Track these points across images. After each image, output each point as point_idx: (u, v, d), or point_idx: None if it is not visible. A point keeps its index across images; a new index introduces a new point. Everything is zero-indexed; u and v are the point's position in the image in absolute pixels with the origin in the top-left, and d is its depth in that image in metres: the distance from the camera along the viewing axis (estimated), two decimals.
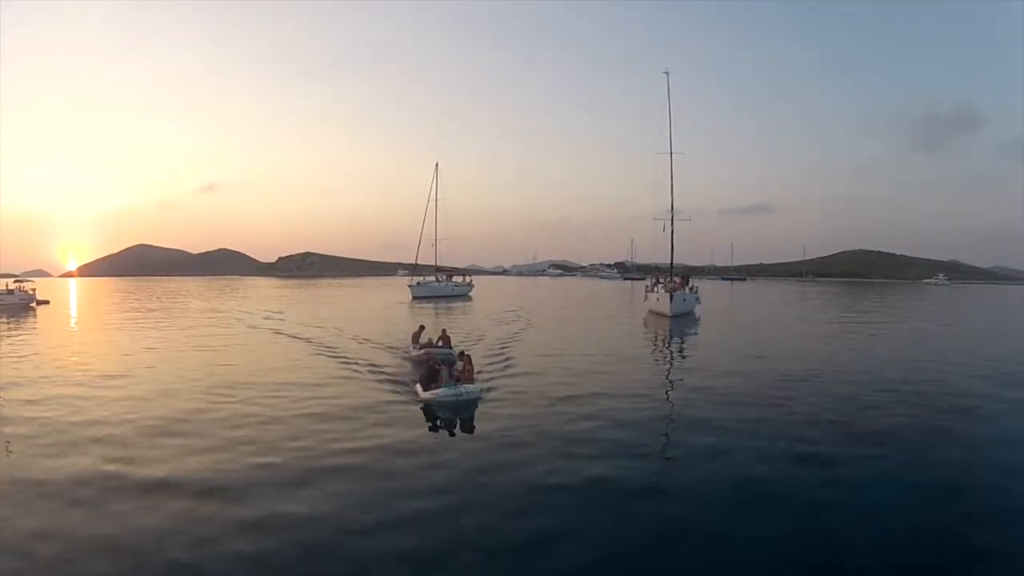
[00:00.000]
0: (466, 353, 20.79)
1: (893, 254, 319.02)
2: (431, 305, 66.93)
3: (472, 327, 40.92)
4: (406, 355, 26.09)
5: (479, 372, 20.51)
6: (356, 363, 24.89)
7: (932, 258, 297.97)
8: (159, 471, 11.78)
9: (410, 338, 27.51)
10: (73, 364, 24.74)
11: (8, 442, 13.61)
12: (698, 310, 57.18)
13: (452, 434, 15.10)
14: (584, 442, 14.02)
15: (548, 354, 27.71)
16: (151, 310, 57.83)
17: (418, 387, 18.45)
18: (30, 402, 17.57)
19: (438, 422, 16.06)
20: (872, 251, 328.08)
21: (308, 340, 32.34)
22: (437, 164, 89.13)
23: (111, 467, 11.99)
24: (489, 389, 19.04)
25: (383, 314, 54.01)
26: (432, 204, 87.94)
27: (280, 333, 36.40)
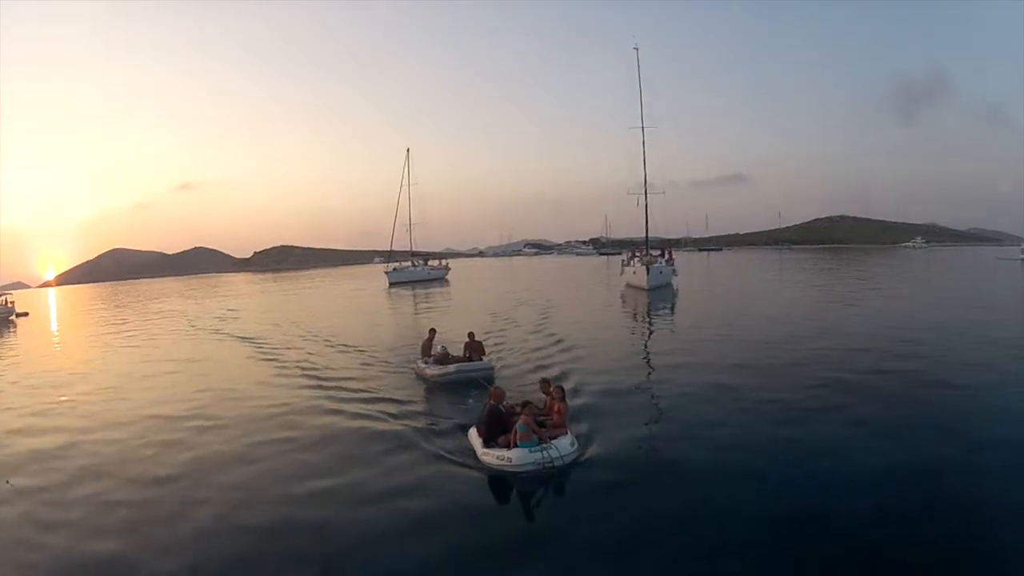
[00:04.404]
0: (553, 383, 14.07)
1: (870, 219, 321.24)
2: (408, 290, 66.98)
3: (456, 310, 40.76)
4: (417, 373, 19.72)
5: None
6: (344, 388, 18.59)
7: (909, 222, 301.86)
8: None
9: (419, 349, 20.88)
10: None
11: None
12: (675, 282, 57.12)
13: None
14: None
15: (536, 330, 26.94)
16: (121, 320, 54.69)
17: (476, 442, 12.12)
18: None
19: (521, 511, 10.52)
20: (848, 216, 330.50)
21: (275, 352, 26.25)
22: (408, 150, 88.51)
23: None
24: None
25: (363, 306, 52.99)
26: (405, 189, 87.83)
27: (254, 345, 29.11)
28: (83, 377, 23.58)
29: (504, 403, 12.71)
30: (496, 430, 12.03)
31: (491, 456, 11.52)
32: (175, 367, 24.52)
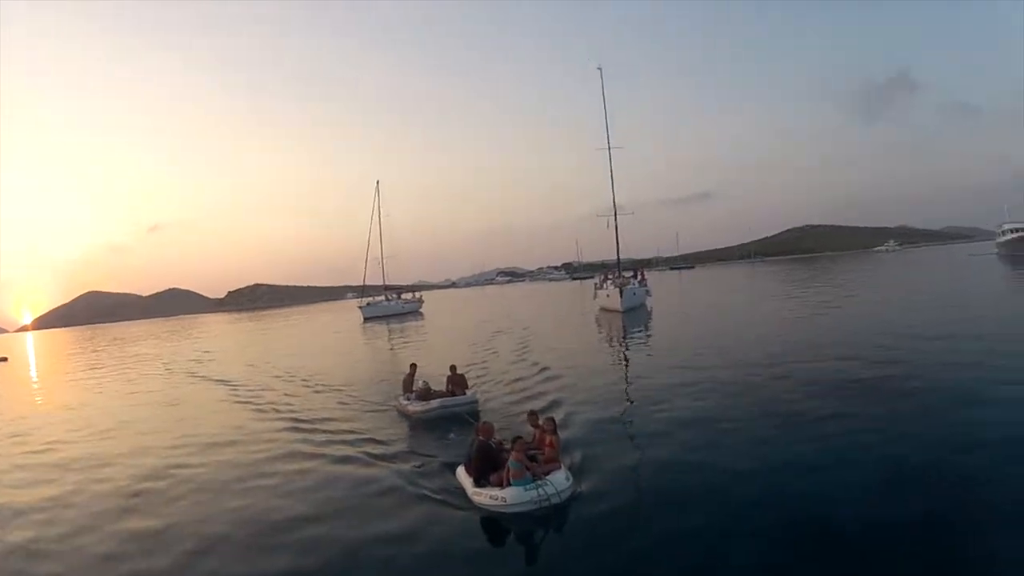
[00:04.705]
0: (540, 415, 13.55)
1: (840, 226, 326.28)
2: (383, 324, 66.55)
3: (433, 343, 40.56)
4: (399, 410, 19.15)
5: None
6: (323, 430, 17.91)
7: (880, 225, 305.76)
8: None
9: (401, 385, 20.20)
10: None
11: None
12: (649, 302, 57.12)
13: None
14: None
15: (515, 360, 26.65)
16: (99, 365, 54.09)
17: (466, 482, 11.55)
18: None
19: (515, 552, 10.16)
20: (818, 225, 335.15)
21: (251, 394, 25.40)
22: (378, 182, 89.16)
23: None
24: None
25: (339, 343, 52.39)
26: (376, 223, 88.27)
27: (230, 388, 27.93)
28: (60, 424, 22.63)
29: (493, 439, 12.10)
30: (486, 468, 11.40)
31: (484, 496, 10.88)
32: (151, 413, 23.65)
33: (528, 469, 10.88)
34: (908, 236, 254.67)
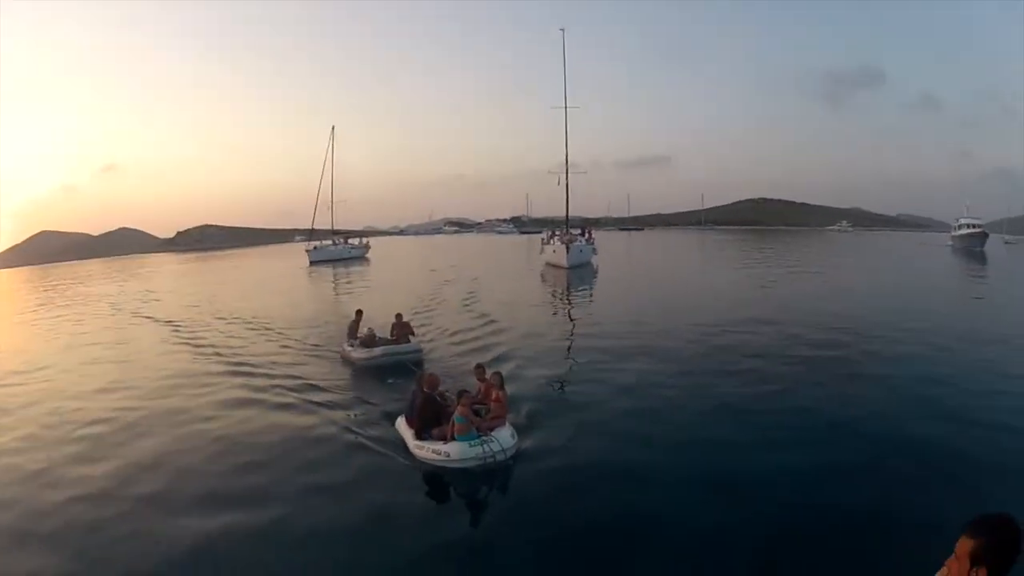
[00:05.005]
0: (487, 369, 13.29)
1: (794, 202, 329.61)
2: (328, 268, 65.49)
3: (377, 290, 39.90)
4: (342, 356, 18.97)
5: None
6: (264, 374, 17.56)
7: (834, 205, 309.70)
8: None
9: (346, 330, 19.90)
10: None
11: None
12: (595, 260, 57.44)
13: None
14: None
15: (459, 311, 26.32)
16: (48, 304, 52.18)
17: (406, 434, 11.36)
18: None
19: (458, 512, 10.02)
20: (773, 199, 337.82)
21: (194, 337, 24.58)
22: (333, 127, 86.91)
23: None
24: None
25: (284, 286, 51.01)
26: (328, 167, 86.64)
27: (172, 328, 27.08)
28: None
29: (438, 391, 11.86)
30: (430, 421, 11.13)
31: (426, 450, 10.66)
32: (95, 354, 22.63)
33: (473, 424, 10.69)
34: (862, 219, 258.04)
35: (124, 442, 12.69)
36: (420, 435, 11.05)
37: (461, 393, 11.21)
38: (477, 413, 11.24)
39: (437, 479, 10.31)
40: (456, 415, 10.69)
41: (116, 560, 8.21)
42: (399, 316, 19.57)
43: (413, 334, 19.25)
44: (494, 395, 11.75)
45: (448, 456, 10.41)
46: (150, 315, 32.44)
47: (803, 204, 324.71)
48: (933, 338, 20.22)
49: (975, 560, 2.67)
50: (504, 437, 10.70)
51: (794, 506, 8.99)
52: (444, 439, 10.67)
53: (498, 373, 12.42)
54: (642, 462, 10.65)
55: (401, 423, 11.88)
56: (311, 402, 14.60)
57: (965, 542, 2.72)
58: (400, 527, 8.77)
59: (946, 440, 11.31)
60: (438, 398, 11.67)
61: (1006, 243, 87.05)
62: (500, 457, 10.36)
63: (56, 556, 8.35)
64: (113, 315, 34.25)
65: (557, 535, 8.44)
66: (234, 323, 27.56)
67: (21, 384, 18.53)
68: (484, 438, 10.50)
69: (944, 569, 2.83)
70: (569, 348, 20.92)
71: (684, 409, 13.38)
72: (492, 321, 24.98)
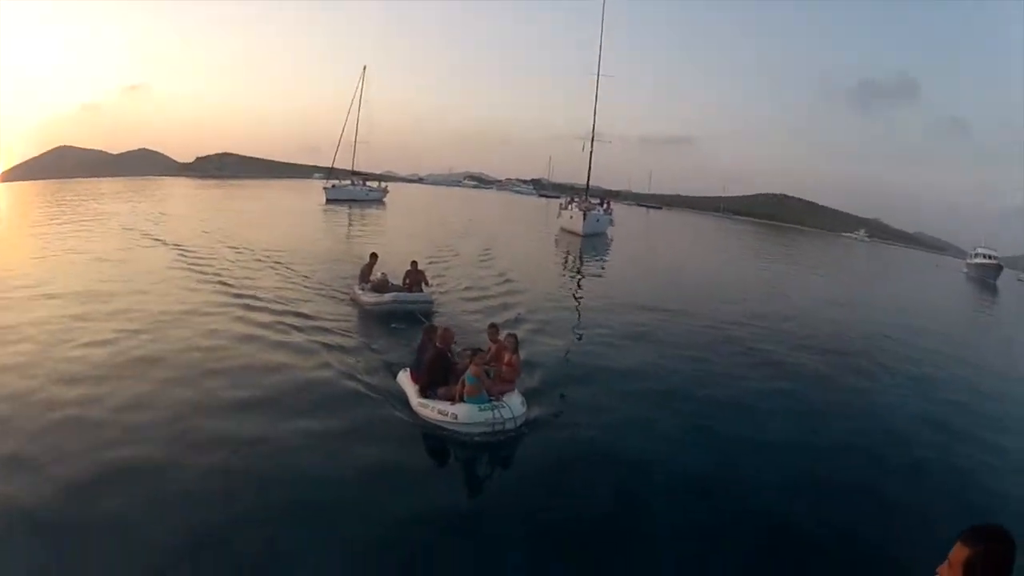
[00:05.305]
0: (502, 329, 12.72)
1: (815, 203, 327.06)
2: (344, 208, 64.76)
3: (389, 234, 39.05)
4: (352, 299, 18.48)
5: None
6: (264, 306, 17.19)
7: (855, 213, 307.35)
8: None
9: (358, 274, 19.42)
10: None
11: None
12: (610, 232, 57.44)
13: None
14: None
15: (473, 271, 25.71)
16: (52, 222, 53.25)
17: (410, 389, 10.81)
18: None
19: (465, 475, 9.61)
20: (793, 197, 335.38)
21: (198, 262, 23.79)
22: (364, 67, 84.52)
23: None
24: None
25: (298, 221, 50.31)
26: (356, 107, 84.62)
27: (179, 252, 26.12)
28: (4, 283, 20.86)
29: (451, 347, 11.21)
30: (438, 378, 10.49)
31: (431, 409, 10.02)
32: (100, 275, 21.29)
33: (485, 386, 10.09)
34: (880, 231, 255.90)
35: (118, 369, 12.04)
36: (425, 392, 10.45)
37: (475, 352, 10.51)
38: (486, 374, 10.58)
39: (437, 440, 9.75)
40: (468, 374, 10.03)
41: (96, 496, 7.70)
42: (414, 263, 18.92)
43: (427, 283, 18.64)
44: (507, 358, 11.10)
45: (455, 418, 9.77)
46: (160, 237, 31.43)
47: (823, 207, 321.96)
48: (935, 356, 20.54)
49: (968, 569, 2.74)
50: (515, 404, 10.10)
51: (789, 509, 8.86)
52: (451, 399, 10.06)
53: (513, 335, 11.71)
54: (645, 450, 10.14)
55: (404, 377, 11.30)
56: (313, 342, 14.06)
57: (960, 550, 2.78)
58: (393, 487, 8.32)
59: (944, 454, 11.57)
60: (447, 356, 11.00)
61: (1020, 280, 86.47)
62: (509, 425, 9.80)
63: (37, 482, 7.88)
64: (123, 235, 33.21)
65: (553, 514, 8.04)
66: (243, 253, 26.83)
67: (20, 300, 17.71)
68: (494, 403, 9.91)
69: None
70: (576, 318, 20.57)
71: (690, 398, 12.93)
72: (506, 281, 24.47)
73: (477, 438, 9.64)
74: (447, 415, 9.83)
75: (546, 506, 8.19)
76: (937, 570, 2.89)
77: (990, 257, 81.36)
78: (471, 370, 10.03)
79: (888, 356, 19.37)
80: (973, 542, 2.77)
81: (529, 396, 11.03)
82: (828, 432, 11.98)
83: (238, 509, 7.55)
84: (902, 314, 30.96)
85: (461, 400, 9.93)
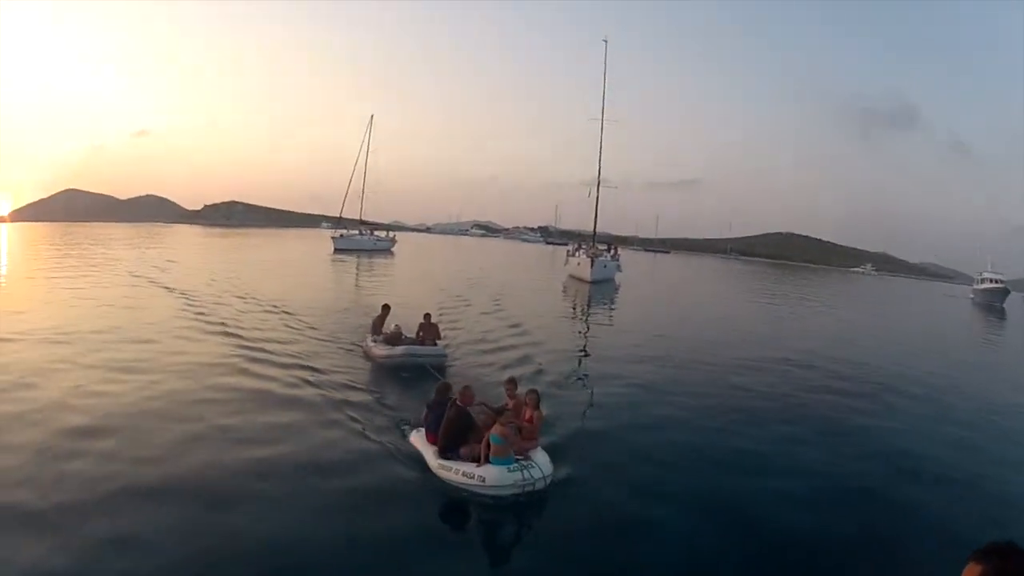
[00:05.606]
0: (519, 383, 12.08)
1: (820, 240, 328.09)
2: (353, 258, 64.72)
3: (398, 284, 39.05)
4: (364, 351, 18.10)
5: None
6: (273, 359, 16.77)
7: (861, 247, 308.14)
8: None
9: (370, 325, 19.14)
10: None
11: None
12: (618, 277, 57.23)
13: None
14: None
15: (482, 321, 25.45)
16: (60, 264, 52.09)
17: (426, 450, 10.28)
18: None
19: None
20: (799, 235, 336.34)
21: (206, 312, 23.48)
22: (372, 116, 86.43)
23: None
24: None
25: (307, 271, 50.52)
26: (363, 156, 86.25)
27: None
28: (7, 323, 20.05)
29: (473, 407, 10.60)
30: (458, 439, 9.93)
31: (455, 472, 9.38)
32: (107, 321, 21.07)
33: (513, 446, 9.55)
34: (886, 264, 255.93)
35: (121, 420, 11.64)
36: (445, 453, 9.87)
37: (501, 410, 10.05)
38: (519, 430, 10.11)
39: (459, 503, 9.19)
40: (494, 434, 9.48)
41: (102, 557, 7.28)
42: (427, 316, 18.50)
43: (440, 337, 18.15)
44: (527, 414, 10.60)
45: (483, 481, 9.15)
46: (169, 285, 31.37)
47: (829, 243, 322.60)
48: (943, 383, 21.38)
49: None
50: (543, 462, 9.60)
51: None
52: (473, 460, 9.53)
53: (535, 391, 11.17)
54: (661, 516, 9.36)
55: (417, 437, 10.76)
56: (323, 397, 13.61)
57: (973, 568, 2.64)
58: (416, 554, 7.79)
59: (950, 476, 11.93)
60: (466, 411, 10.44)
61: None
62: (539, 485, 9.26)
63: (44, 538, 7.53)
64: (132, 283, 32.99)
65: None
66: (251, 303, 26.58)
67: (25, 345, 17.31)
68: (522, 462, 9.39)
69: None
70: (589, 369, 19.71)
71: (701, 455, 12.25)
72: (518, 333, 24.08)
73: (505, 500, 9.12)
74: (474, 478, 9.23)
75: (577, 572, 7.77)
76: None
77: (996, 281, 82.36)
78: (497, 429, 9.50)
79: (893, 388, 19.96)
80: (988, 558, 2.63)
81: (548, 452, 10.47)
82: (868, 486, 11.36)
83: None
84: (909, 346, 31.33)
85: (487, 461, 9.40)
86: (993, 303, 76.11)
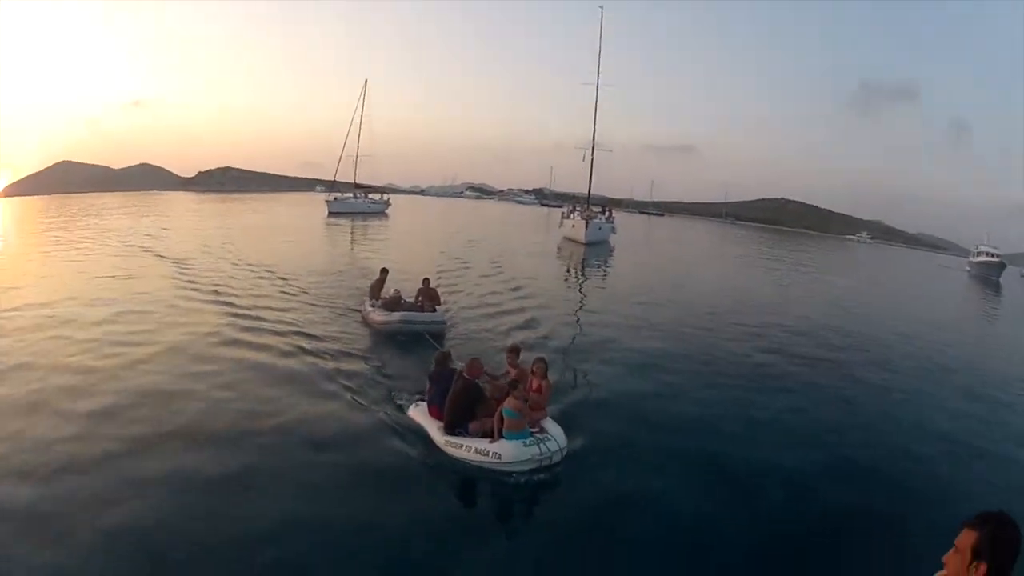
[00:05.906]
0: (523, 351, 11.85)
1: (816, 207, 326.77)
2: (347, 221, 64.34)
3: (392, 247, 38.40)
4: (361, 316, 17.73)
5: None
6: (268, 325, 16.45)
7: (856, 215, 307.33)
8: None
9: (368, 290, 18.76)
10: None
11: None
12: (612, 239, 57.38)
13: None
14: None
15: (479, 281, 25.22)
16: (55, 236, 52.98)
17: (430, 426, 9.87)
18: None
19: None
20: (794, 201, 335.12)
21: (200, 278, 23.15)
22: (366, 81, 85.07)
23: None
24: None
25: (300, 233, 50.04)
26: (357, 120, 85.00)
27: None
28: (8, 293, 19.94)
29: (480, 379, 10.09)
30: (467, 413, 9.46)
31: (465, 449, 8.97)
32: (101, 290, 20.92)
33: (527, 419, 9.15)
34: (882, 232, 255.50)
35: (114, 383, 11.66)
36: (452, 429, 9.42)
37: (513, 382, 9.51)
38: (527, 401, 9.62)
39: (469, 480, 8.89)
40: (506, 408, 9.05)
41: (90, 501, 7.43)
42: (426, 281, 18.07)
43: (439, 303, 17.70)
44: (535, 384, 10.14)
45: (499, 458, 8.74)
46: (163, 253, 30.74)
47: (824, 210, 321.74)
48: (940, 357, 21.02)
49: (976, 554, 2.76)
50: (558, 434, 9.25)
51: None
52: (484, 435, 9.14)
53: (543, 359, 10.67)
54: (665, 488, 9.20)
55: (418, 411, 10.28)
56: (321, 367, 13.24)
57: (967, 535, 2.80)
58: (430, 535, 7.55)
59: (951, 447, 11.92)
60: (479, 382, 10.01)
61: (1023, 277, 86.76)
62: (556, 458, 8.93)
63: (32, 490, 7.62)
64: (125, 250, 32.46)
65: (615, 553, 7.46)
66: (244, 269, 26.11)
67: (19, 314, 17.06)
68: (538, 436, 9.03)
69: (943, 572, 2.92)
70: (589, 335, 19.43)
71: (703, 423, 12.08)
72: (517, 296, 23.78)
73: (520, 476, 8.77)
74: (488, 454, 8.82)
75: (601, 546, 7.66)
76: (944, 559, 2.92)
77: (992, 255, 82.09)
78: (510, 403, 9.05)
79: (892, 355, 20.15)
80: (982, 526, 2.80)
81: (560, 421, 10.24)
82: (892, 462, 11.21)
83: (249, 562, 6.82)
84: (906, 316, 31.56)
85: (500, 436, 9.01)
86: (989, 276, 76.12)
